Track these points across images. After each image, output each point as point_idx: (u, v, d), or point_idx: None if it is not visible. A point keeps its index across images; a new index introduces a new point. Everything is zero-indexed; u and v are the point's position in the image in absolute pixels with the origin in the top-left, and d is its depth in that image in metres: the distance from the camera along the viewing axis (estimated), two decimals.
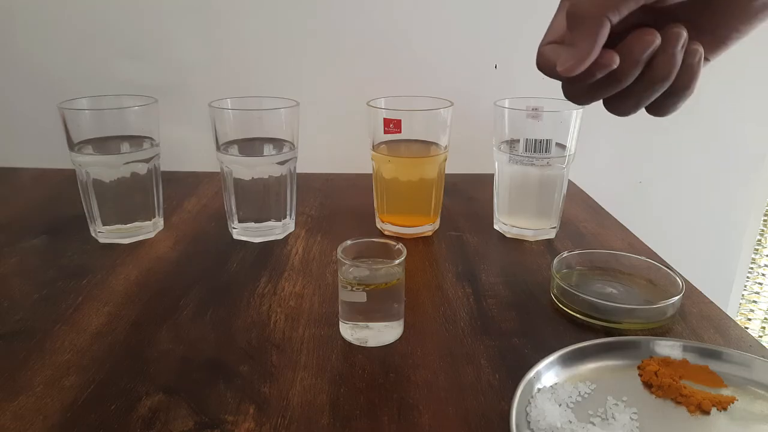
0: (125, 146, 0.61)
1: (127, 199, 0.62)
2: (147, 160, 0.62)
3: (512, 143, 0.64)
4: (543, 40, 0.35)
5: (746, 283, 1.09)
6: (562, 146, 0.62)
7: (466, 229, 0.69)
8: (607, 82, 0.33)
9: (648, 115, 0.36)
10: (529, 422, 0.36)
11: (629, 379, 0.41)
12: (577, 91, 0.35)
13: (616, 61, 0.31)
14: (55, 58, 0.85)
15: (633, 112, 0.35)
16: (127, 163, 0.61)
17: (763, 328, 1.18)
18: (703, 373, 0.42)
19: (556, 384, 0.40)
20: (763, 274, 1.11)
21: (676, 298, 0.49)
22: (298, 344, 0.46)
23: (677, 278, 0.52)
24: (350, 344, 0.46)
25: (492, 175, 0.68)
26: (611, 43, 0.31)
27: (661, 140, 0.94)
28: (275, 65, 0.87)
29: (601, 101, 0.35)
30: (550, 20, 0.36)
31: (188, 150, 0.86)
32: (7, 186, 0.83)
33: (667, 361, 0.42)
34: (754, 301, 1.15)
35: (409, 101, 0.66)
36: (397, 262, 0.44)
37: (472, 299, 0.53)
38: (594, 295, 0.49)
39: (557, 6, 0.36)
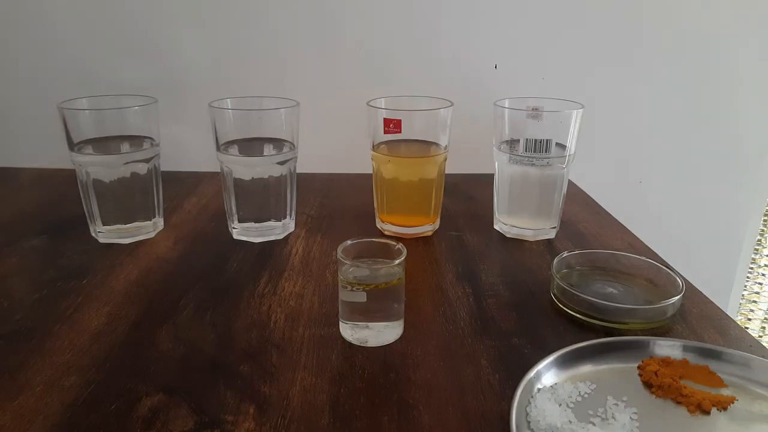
0: (125, 146, 0.61)
1: (127, 199, 0.62)
2: (147, 160, 0.62)
3: (512, 143, 0.64)
4: None
5: (746, 283, 1.09)
6: (562, 146, 0.62)
7: (466, 229, 0.69)
8: None
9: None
10: (529, 422, 0.36)
11: (629, 379, 0.41)
12: None
13: None
14: (55, 58, 0.85)
15: None
16: (127, 163, 0.61)
17: (763, 328, 1.18)
18: (703, 373, 0.42)
19: (556, 384, 0.40)
20: (763, 274, 1.11)
21: (676, 298, 0.49)
22: (298, 344, 0.46)
23: (677, 278, 0.52)
24: (350, 344, 0.46)
25: (492, 175, 0.68)
26: None
27: (661, 140, 0.94)
28: (275, 65, 0.87)
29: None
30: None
31: (188, 150, 0.86)
32: (7, 186, 0.83)
33: (667, 361, 0.42)
34: (754, 301, 1.15)
35: (409, 101, 0.66)
36: (397, 262, 0.44)
37: (472, 299, 0.53)
38: (594, 295, 0.49)
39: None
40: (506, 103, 0.64)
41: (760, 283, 1.12)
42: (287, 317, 0.49)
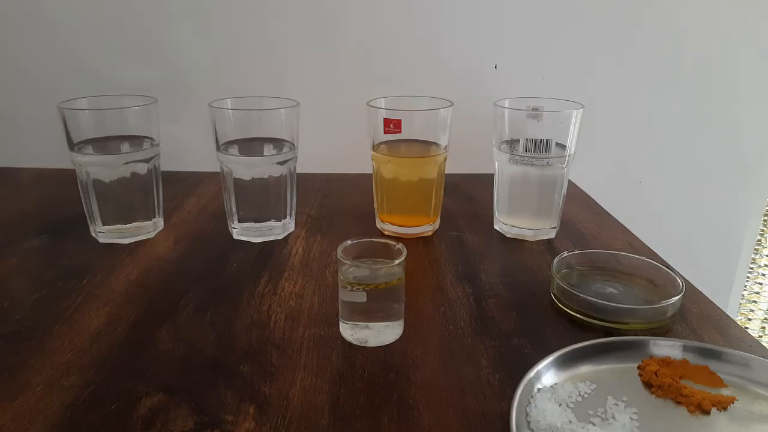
0: (125, 146, 0.61)
1: (127, 199, 0.62)
2: (147, 160, 0.62)
3: (512, 143, 0.64)
4: None
5: (746, 283, 1.09)
6: (562, 146, 0.62)
7: (466, 229, 0.69)
8: None
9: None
10: (529, 422, 0.36)
11: (629, 379, 0.41)
12: None
13: None
14: (55, 58, 0.85)
15: None
16: (127, 163, 0.61)
17: (763, 328, 1.18)
18: (703, 373, 0.42)
19: (556, 384, 0.40)
20: (763, 274, 1.11)
21: (676, 298, 0.49)
22: (298, 344, 0.46)
23: (677, 278, 0.52)
24: (350, 344, 0.46)
25: (492, 175, 0.68)
26: None
27: (661, 140, 0.94)
28: (275, 65, 0.87)
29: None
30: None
31: (188, 150, 0.86)
32: (7, 186, 0.83)
33: (667, 361, 0.42)
34: (754, 301, 1.15)
35: (409, 101, 0.66)
36: (397, 262, 0.44)
37: (472, 299, 0.53)
38: (594, 295, 0.49)
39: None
40: (506, 103, 0.64)
41: (760, 283, 1.12)
42: (287, 317, 0.49)
